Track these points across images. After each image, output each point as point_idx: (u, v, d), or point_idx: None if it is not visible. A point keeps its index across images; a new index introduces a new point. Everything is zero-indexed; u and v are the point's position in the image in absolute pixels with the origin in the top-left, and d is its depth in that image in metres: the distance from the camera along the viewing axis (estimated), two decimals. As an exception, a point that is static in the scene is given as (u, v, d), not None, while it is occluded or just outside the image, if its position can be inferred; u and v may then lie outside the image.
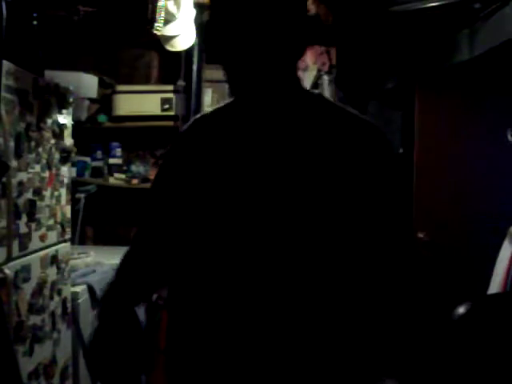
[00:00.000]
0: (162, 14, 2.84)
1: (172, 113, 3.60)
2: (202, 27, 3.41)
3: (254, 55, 0.99)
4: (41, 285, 2.15)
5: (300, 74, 1.14)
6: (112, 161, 3.74)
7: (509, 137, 2.78)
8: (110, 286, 1.25)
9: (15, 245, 1.97)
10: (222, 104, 1.18)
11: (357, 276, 1.06)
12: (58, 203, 2.38)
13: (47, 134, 2.26)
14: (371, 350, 1.09)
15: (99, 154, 3.74)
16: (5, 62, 1.84)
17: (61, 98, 2.41)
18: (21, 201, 2.01)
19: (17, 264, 1.97)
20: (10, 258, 1.93)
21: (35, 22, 2.40)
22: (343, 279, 1.06)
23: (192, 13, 3.01)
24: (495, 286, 2.39)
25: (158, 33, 2.90)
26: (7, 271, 1.88)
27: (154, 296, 3.68)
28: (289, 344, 1.04)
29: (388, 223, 1.06)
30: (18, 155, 1.98)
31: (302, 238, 1.02)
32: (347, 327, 1.07)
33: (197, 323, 1.10)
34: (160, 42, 3.08)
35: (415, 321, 1.09)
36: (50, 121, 2.28)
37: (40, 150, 2.18)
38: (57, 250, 2.34)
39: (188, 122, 1.22)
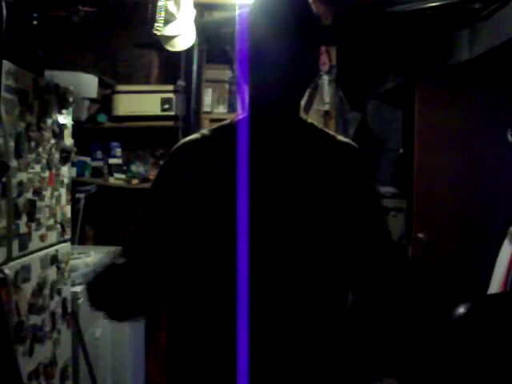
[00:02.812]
0: (162, 14, 2.84)
1: (172, 113, 3.60)
2: (202, 27, 3.41)
3: (274, 86, 1.12)
4: (41, 285, 2.15)
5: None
6: (112, 161, 3.74)
7: (509, 137, 2.78)
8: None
9: (15, 245, 1.96)
10: (225, 122, 1.28)
11: (349, 275, 1.19)
12: (58, 203, 2.38)
13: (47, 134, 2.26)
14: (369, 350, 1.12)
15: (99, 154, 3.74)
16: (5, 62, 1.84)
17: (61, 98, 2.41)
18: (21, 201, 2.00)
19: (17, 264, 1.97)
20: (10, 258, 1.93)
21: (35, 22, 2.39)
22: (338, 279, 1.17)
23: (192, 13, 3.02)
24: (495, 286, 2.39)
25: (158, 33, 2.90)
26: (7, 271, 1.88)
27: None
28: (288, 345, 1.09)
29: (372, 223, 1.22)
30: (18, 155, 1.98)
31: (295, 244, 1.12)
32: (344, 328, 1.15)
33: (196, 327, 1.15)
34: (160, 42, 3.08)
35: (412, 319, 1.13)
36: (50, 121, 2.28)
37: (40, 150, 2.18)
38: (57, 250, 2.35)
39: (192, 136, 1.26)
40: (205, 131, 1.25)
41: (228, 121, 1.26)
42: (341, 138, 1.27)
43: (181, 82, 3.66)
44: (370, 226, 1.21)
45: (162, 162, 1.26)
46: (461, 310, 1.57)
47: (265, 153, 1.15)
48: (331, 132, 1.29)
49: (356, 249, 1.19)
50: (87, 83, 3.48)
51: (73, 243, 2.77)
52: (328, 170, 1.18)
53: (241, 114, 1.23)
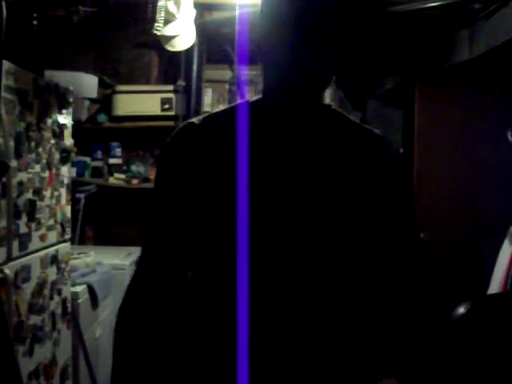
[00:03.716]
0: (162, 14, 2.84)
1: (172, 113, 3.60)
2: (202, 27, 3.41)
3: (301, 66, 1.01)
4: (41, 285, 2.15)
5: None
6: (112, 161, 3.74)
7: (509, 137, 2.78)
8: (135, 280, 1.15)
9: (15, 245, 1.96)
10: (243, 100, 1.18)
11: (365, 274, 1.12)
12: (58, 203, 2.38)
13: (47, 134, 2.26)
14: (373, 350, 1.10)
15: (99, 154, 3.74)
16: (5, 62, 1.84)
17: (61, 98, 2.41)
18: (21, 201, 2.00)
19: (17, 264, 1.97)
20: (10, 258, 1.93)
21: (35, 22, 2.40)
22: (353, 277, 1.10)
23: (192, 13, 3.01)
24: (495, 286, 2.39)
25: (158, 33, 2.90)
26: (7, 271, 1.88)
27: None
28: (297, 340, 1.05)
29: (397, 221, 1.13)
30: (18, 155, 1.98)
31: (312, 235, 1.05)
32: (353, 325, 1.09)
33: (208, 319, 1.09)
34: (160, 42, 3.08)
35: (413, 320, 1.12)
36: (50, 121, 2.28)
37: (40, 150, 2.18)
38: (57, 250, 2.35)
39: (204, 115, 1.17)
40: (209, 114, 1.16)
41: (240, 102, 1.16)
42: (368, 126, 1.18)
43: (181, 82, 3.66)
44: (393, 227, 1.12)
45: (164, 147, 1.15)
46: (461, 310, 1.57)
47: (282, 138, 1.07)
48: (356, 120, 1.19)
49: (371, 246, 1.11)
50: (87, 83, 3.48)
51: (73, 243, 2.78)
52: (351, 158, 1.09)
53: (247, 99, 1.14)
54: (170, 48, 3.07)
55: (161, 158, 1.15)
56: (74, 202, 3.02)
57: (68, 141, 2.50)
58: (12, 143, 1.93)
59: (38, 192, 2.15)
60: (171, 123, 3.59)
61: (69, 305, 2.46)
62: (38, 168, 2.15)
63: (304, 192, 1.05)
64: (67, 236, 2.50)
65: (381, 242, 1.12)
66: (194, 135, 1.11)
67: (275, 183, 1.06)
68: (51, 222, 2.29)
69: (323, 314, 1.07)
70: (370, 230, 1.10)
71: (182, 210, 1.09)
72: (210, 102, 3.68)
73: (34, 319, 2.09)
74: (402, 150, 3.99)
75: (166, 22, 2.89)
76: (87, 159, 3.71)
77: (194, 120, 1.14)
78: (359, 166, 1.09)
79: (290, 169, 1.06)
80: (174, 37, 3.01)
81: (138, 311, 1.12)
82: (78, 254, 2.91)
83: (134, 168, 3.74)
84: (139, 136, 3.77)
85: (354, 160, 1.09)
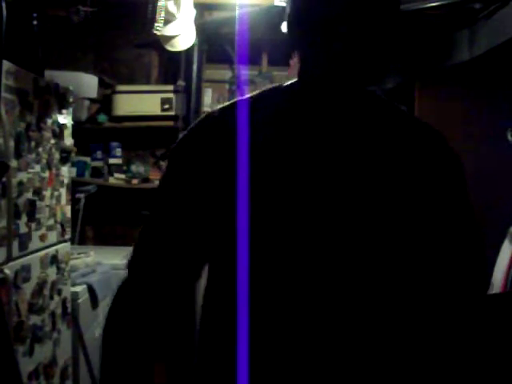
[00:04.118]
0: (162, 14, 2.84)
1: (172, 113, 3.60)
2: (202, 27, 3.41)
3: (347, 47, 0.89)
4: (41, 285, 2.15)
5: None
6: (112, 161, 3.74)
7: (508, 137, 2.78)
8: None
9: (15, 245, 1.96)
10: (272, 87, 1.05)
11: (419, 278, 0.97)
12: (58, 203, 2.38)
13: (47, 134, 2.26)
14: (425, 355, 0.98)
15: (99, 154, 3.74)
16: (5, 62, 1.84)
17: (61, 98, 2.41)
18: (21, 201, 2.00)
19: (17, 264, 1.97)
20: (10, 258, 1.93)
21: (35, 22, 2.40)
22: (405, 281, 0.96)
23: (192, 13, 3.01)
24: (495, 286, 2.39)
25: (158, 33, 2.90)
26: (7, 271, 1.88)
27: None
28: (346, 345, 0.93)
29: (456, 232, 0.98)
30: (18, 155, 1.98)
31: (360, 237, 0.92)
32: (405, 330, 0.97)
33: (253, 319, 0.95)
34: (160, 42, 3.08)
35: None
36: (49, 121, 2.28)
37: (40, 149, 2.18)
38: (57, 250, 2.34)
39: (231, 101, 1.04)
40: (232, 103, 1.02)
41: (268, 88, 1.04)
42: (424, 121, 1.04)
43: (181, 82, 3.66)
44: (452, 239, 0.96)
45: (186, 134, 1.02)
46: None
47: (324, 130, 0.95)
48: (408, 113, 1.06)
49: (425, 253, 0.96)
50: (87, 83, 3.48)
51: (73, 243, 2.77)
52: (402, 156, 0.95)
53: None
54: (169, 48, 3.07)
55: (177, 152, 1.02)
56: (73, 201, 3.02)
57: (68, 141, 2.50)
58: (12, 143, 1.93)
59: (38, 192, 2.14)
60: (171, 123, 3.59)
61: (69, 305, 2.46)
62: (37, 168, 2.15)
63: (347, 192, 0.93)
64: (67, 236, 2.50)
65: (434, 257, 0.96)
66: (215, 127, 0.99)
67: (312, 181, 0.93)
68: (51, 222, 2.29)
69: (375, 315, 0.94)
70: (422, 239, 0.95)
71: (200, 209, 0.96)
72: (210, 102, 3.68)
73: (34, 319, 2.09)
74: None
75: (166, 21, 2.89)
76: (87, 159, 3.70)
77: (215, 110, 1.02)
78: (411, 166, 0.95)
79: (332, 165, 0.93)
80: (173, 37, 3.01)
81: (132, 314, 1.06)
82: (78, 254, 2.91)
83: (133, 168, 3.73)
84: (139, 136, 3.77)
85: (405, 159, 0.96)
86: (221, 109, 1.02)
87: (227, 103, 1.04)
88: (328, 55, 0.89)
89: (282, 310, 0.92)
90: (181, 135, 1.04)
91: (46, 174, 2.24)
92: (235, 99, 1.03)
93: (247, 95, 1.04)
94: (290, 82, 1.02)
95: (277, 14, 3.33)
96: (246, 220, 0.92)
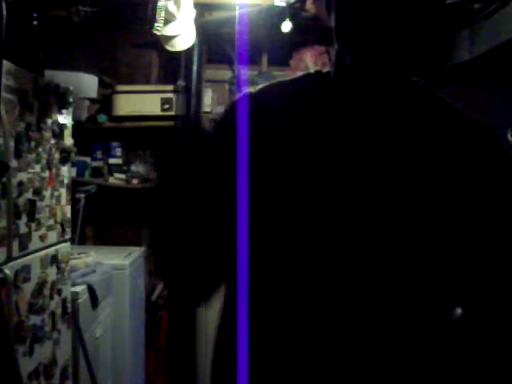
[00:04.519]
0: (162, 14, 2.84)
1: (172, 113, 3.60)
2: (202, 27, 3.41)
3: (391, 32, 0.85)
4: (41, 285, 2.15)
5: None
6: (112, 161, 3.74)
7: (509, 137, 2.78)
8: None
9: (15, 245, 1.96)
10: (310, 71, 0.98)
11: (450, 286, 0.92)
12: (58, 203, 2.38)
13: (47, 134, 2.26)
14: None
15: (99, 154, 3.74)
16: (5, 62, 1.84)
17: (61, 98, 2.41)
18: (21, 201, 2.00)
19: (17, 264, 1.97)
20: (10, 258, 1.93)
21: (35, 22, 2.40)
22: (438, 288, 0.90)
23: (192, 13, 3.02)
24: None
25: (158, 33, 2.90)
26: (7, 271, 1.88)
27: (154, 296, 3.68)
28: (369, 350, 0.88)
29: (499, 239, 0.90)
30: (18, 155, 1.98)
31: (394, 240, 0.86)
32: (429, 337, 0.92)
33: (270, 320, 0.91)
34: (160, 42, 3.08)
35: None
36: (49, 121, 2.28)
37: (40, 150, 2.18)
38: (57, 250, 2.34)
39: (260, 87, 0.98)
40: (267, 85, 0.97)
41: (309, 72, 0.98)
42: (473, 116, 0.96)
43: (181, 82, 3.66)
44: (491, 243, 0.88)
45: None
46: (459, 310, 1.56)
47: (365, 121, 0.89)
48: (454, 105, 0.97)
49: (461, 259, 0.88)
50: (87, 83, 3.48)
51: (73, 243, 2.77)
52: (446, 154, 0.88)
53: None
54: (169, 48, 3.08)
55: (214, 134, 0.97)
56: (73, 201, 3.02)
57: (68, 141, 2.50)
58: (12, 143, 1.93)
59: (37, 192, 2.14)
60: (171, 123, 3.58)
61: (69, 305, 2.46)
62: (37, 168, 2.15)
63: (379, 189, 0.86)
64: (67, 236, 2.50)
65: (468, 249, 0.88)
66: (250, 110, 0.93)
67: (348, 175, 0.87)
68: (51, 222, 2.29)
69: (376, 328, 0.88)
70: (458, 236, 0.87)
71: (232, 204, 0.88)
72: (210, 102, 3.68)
73: (34, 319, 2.09)
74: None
75: (166, 22, 2.89)
76: (87, 159, 3.70)
77: (251, 91, 0.97)
78: (456, 165, 0.88)
79: (371, 161, 0.87)
80: (174, 37, 3.01)
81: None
82: (78, 254, 2.91)
83: (133, 168, 3.73)
84: (139, 136, 3.77)
85: (449, 157, 0.88)
86: (258, 89, 0.97)
87: (263, 85, 0.98)
88: (372, 42, 0.84)
89: (288, 311, 0.88)
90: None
91: (46, 174, 2.24)
92: (268, 83, 0.98)
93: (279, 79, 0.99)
94: (319, 70, 0.97)
95: (277, 14, 3.34)
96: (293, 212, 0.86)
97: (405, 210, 0.85)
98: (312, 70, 0.99)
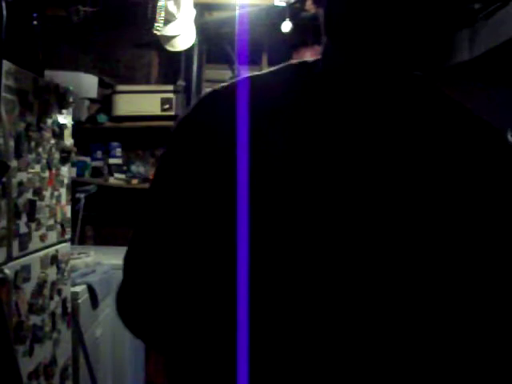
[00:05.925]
0: (162, 14, 2.85)
1: (172, 113, 3.60)
2: (202, 27, 3.41)
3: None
4: (41, 285, 2.15)
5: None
6: (112, 161, 3.74)
7: (509, 137, 2.78)
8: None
9: (15, 245, 1.96)
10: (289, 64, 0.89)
11: (455, 291, 0.86)
12: (58, 203, 2.38)
13: (47, 134, 2.26)
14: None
15: (99, 153, 3.74)
16: (5, 62, 1.84)
17: (61, 98, 2.41)
18: (21, 201, 2.00)
19: (17, 264, 1.97)
20: (10, 258, 1.93)
21: (35, 22, 2.40)
22: (442, 293, 0.85)
23: (192, 13, 3.02)
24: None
25: (158, 33, 2.90)
26: (7, 271, 1.88)
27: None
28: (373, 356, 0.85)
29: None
30: (18, 155, 1.98)
31: (394, 238, 0.82)
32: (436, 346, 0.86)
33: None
34: (160, 42, 3.08)
35: None
36: (49, 121, 2.28)
37: (40, 150, 2.18)
38: (57, 250, 2.34)
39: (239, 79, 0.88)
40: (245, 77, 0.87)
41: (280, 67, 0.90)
42: (480, 117, 0.91)
43: (181, 82, 3.67)
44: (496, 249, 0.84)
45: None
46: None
47: (360, 117, 0.83)
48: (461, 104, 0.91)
49: (467, 265, 0.84)
50: (87, 83, 3.49)
51: (73, 243, 2.78)
52: (447, 154, 0.83)
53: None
54: (169, 48, 3.08)
55: (174, 139, 0.92)
56: (73, 201, 3.02)
57: (68, 141, 2.50)
58: (12, 143, 1.93)
59: (37, 192, 2.14)
60: (171, 123, 3.59)
61: (69, 305, 2.46)
62: (37, 168, 2.15)
63: (380, 189, 0.81)
64: (67, 236, 2.50)
65: (475, 254, 0.84)
66: (221, 109, 0.84)
67: (345, 174, 0.81)
68: (51, 222, 2.29)
69: (407, 328, 0.84)
70: (464, 239, 0.83)
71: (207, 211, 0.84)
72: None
73: (34, 319, 2.09)
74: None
75: (166, 21, 2.89)
76: (87, 159, 3.71)
77: (221, 87, 0.86)
78: (458, 167, 0.83)
79: (370, 159, 0.82)
80: (174, 37, 3.01)
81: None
82: (78, 254, 2.92)
83: (134, 168, 3.74)
84: (139, 136, 3.77)
85: (453, 155, 0.84)
86: (225, 87, 0.87)
87: (229, 82, 0.88)
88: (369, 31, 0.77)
89: (288, 313, 0.85)
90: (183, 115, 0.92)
91: (46, 174, 2.24)
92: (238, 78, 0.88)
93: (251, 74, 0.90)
94: (304, 61, 0.89)
95: (277, 13, 3.34)
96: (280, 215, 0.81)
97: (405, 208, 0.81)
98: (295, 61, 0.89)
